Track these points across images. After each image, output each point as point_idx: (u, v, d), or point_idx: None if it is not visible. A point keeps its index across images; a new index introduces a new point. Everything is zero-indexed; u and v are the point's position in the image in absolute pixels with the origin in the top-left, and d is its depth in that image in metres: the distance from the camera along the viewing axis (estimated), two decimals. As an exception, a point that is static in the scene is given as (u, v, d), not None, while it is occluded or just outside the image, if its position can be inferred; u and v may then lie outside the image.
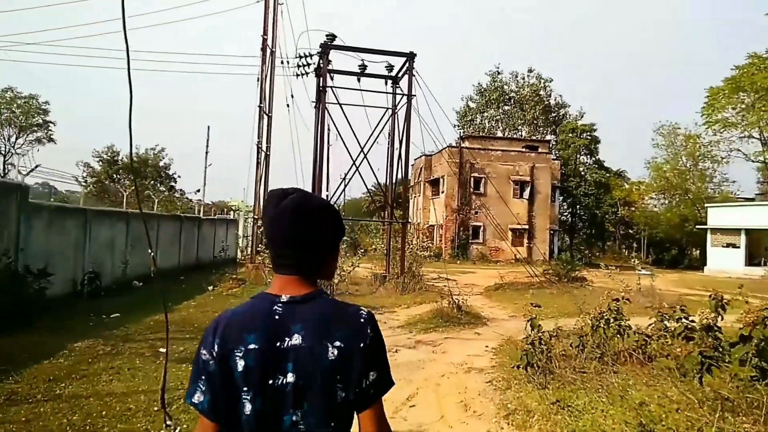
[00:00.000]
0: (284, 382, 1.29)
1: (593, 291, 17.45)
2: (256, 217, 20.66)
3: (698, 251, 40.86)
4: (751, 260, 28.45)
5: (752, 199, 32.86)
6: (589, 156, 42.75)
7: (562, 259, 20.24)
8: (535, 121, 47.68)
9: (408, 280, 16.31)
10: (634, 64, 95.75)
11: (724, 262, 28.27)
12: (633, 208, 42.94)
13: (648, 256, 41.82)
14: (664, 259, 40.01)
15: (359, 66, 17.33)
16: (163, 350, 7.48)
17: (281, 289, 1.38)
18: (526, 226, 36.24)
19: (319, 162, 17.22)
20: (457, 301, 11.45)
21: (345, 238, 17.14)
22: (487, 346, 8.85)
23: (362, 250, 13.50)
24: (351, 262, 12.76)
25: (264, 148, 22.57)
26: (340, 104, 18.31)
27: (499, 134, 46.94)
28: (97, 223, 14.18)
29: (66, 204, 15.90)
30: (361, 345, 1.34)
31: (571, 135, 42.13)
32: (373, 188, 31.75)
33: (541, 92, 48.82)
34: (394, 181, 18.87)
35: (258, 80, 20.10)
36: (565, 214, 44.26)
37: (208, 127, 34.03)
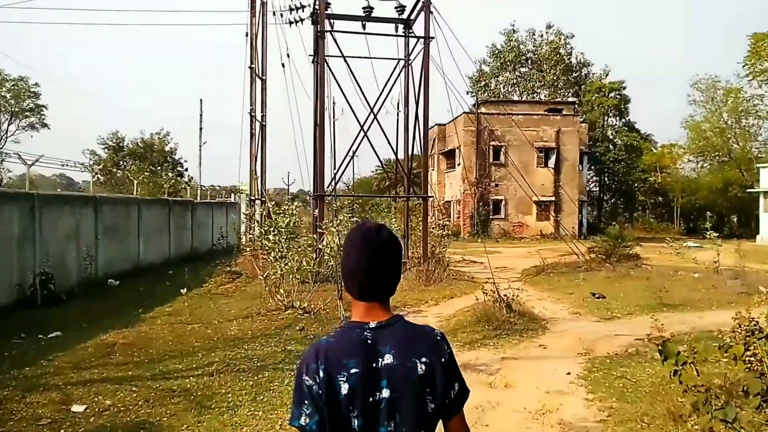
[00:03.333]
0: (380, 397, 1.44)
1: (656, 271, 14.59)
2: (252, 198, 17.94)
3: (736, 218, 37.48)
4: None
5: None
6: (618, 118, 39.20)
7: (610, 233, 17.32)
8: (556, 83, 43.93)
9: (432, 267, 13.57)
10: (664, 11, 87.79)
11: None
12: (665, 174, 39.50)
13: (680, 225, 38.64)
14: (698, 229, 36.85)
15: (363, 9, 14.30)
16: (76, 409, 4.80)
17: (365, 315, 1.54)
18: (553, 198, 33.14)
19: (320, 127, 14.37)
20: (505, 297, 8.67)
21: (356, 219, 14.36)
22: (569, 373, 6.07)
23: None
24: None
25: (258, 117, 19.77)
26: (344, 56, 15.34)
27: (517, 98, 43.43)
28: (52, 211, 11.53)
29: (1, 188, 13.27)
30: (443, 360, 1.51)
31: (597, 95, 38.57)
32: (385, 162, 28.85)
33: (561, 50, 44.94)
34: (410, 148, 15.98)
35: (246, 35, 17.15)
36: (591, 182, 40.98)
37: (201, 100, 30.77)
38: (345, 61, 15.66)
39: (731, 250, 15.40)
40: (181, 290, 9.06)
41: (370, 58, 17.16)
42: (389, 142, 14.79)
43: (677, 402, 4.85)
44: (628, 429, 4.48)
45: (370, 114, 15.19)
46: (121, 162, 40.65)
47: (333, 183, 15.11)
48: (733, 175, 33.07)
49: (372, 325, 1.50)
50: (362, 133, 15.10)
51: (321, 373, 1.43)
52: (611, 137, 39.13)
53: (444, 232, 17.39)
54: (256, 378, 5.52)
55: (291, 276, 9.35)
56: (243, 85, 18.34)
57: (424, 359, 1.47)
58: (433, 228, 16.16)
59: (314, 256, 9.35)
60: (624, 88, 39.33)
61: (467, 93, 47.10)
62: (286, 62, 19.42)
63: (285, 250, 9.35)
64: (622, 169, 37.37)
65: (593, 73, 44.47)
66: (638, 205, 43.27)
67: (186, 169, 42.30)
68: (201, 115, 29.02)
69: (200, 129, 28.44)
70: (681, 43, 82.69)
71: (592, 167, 38.66)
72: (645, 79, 76.74)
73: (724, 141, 33.34)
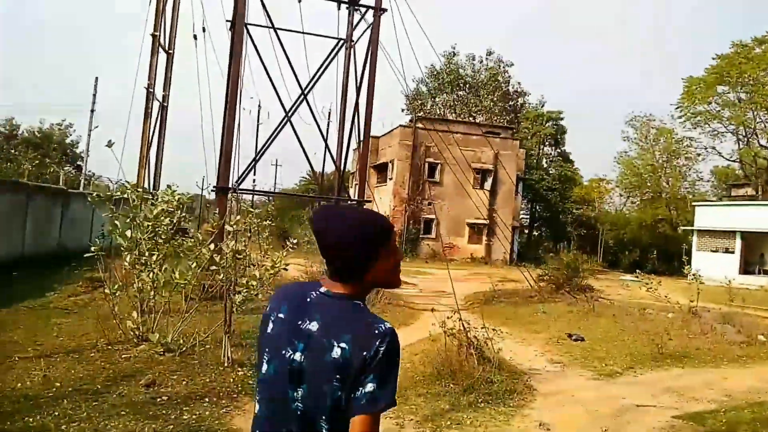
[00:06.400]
0: (291, 357, 1.37)
1: (620, 307, 12.50)
2: (140, 190, 14.24)
3: (655, 255, 37.89)
4: (746, 268, 25.03)
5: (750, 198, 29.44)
6: (553, 147, 38.70)
7: (564, 261, 15.30)
8: (492, 109, 43.09)
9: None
10: (604, 52, 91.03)
11: (713, 268, 24.63)
12: (591, 207, 39.50)
13: (602, 259, 38.48)
14: (620, 263, 36.71)
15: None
16: None
17: (327, 282, 1.46)
18: (486, 221, 31.50)
19: (231, 107, 11.24)
20: (475, 340, 5.95)
21: (272, 224, 11.23)
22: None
23: (293, 242, 7.86)
24: (273, 260, 6.97)
25: (159, 97, 16.22)
26: (273, 27, 12.47)
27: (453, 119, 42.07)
28: None
29: None
30: (364, 354, 1.32)
31: (534, 123, 37.89)
32: (311, 174, 25.81)
33: (500, 77, 44.36)
34: (345, 144, 13.15)
35: (149, -9, 13.74)
36: (523, 209, 40.14)
37: (96, 78, 26.17)
38: (275, 32, 12.77)
39: (672, 287, 13.90)
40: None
41: (304, 33, 14.34)
42: (320, 130, 11.90)
43: None
44: None
45: (300, 97, 12.31)
46: (13, 151, 35.40)
47: (245, 175, 11.97)
48: (662, 212, 33.13)
49: (322, 289, 1.45)
50: (286, 119, 12.19)
51: (267, 309, 1.50)
52: (546, 166, 38.51)
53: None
54: None
55: (155, 292, 6.08)
56: (140, 57, 14.87)
57: (343, 344, 1.32)
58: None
59: (193, 264, 6.16)
60: (562, 118, 39.09)
61: (402, 111, 45.43)
62: (200, 35, 16.05)
63: (149, 254, 6.10)
64: (554, 198, 36.70)
65: (530, 103, 44.21)
66: (566, 236, 43.06)
67: (83, 162, 37.30)
68: (95, 95, 24.49)
69: (92, 111, 23.93)
70: (616, 81, 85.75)
71: (526, 194, 37.84)
72: (577, 115, 79.22)
73: (656, 179, 33.48)
